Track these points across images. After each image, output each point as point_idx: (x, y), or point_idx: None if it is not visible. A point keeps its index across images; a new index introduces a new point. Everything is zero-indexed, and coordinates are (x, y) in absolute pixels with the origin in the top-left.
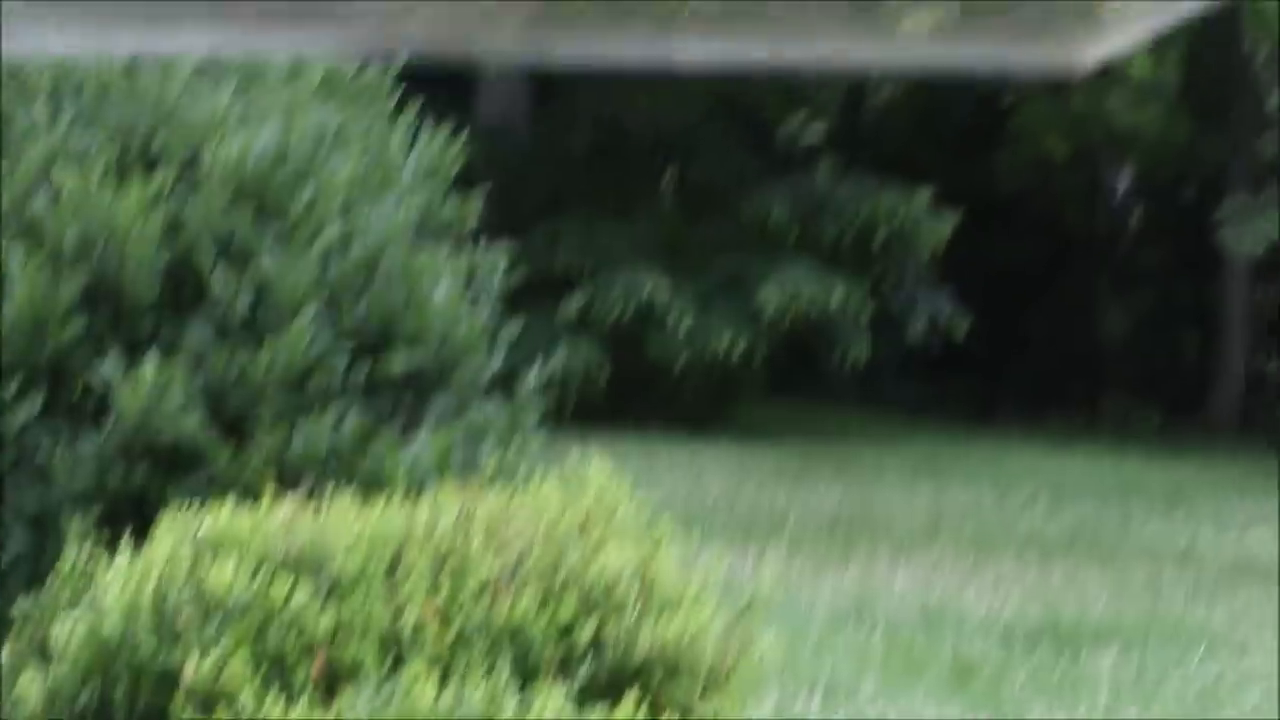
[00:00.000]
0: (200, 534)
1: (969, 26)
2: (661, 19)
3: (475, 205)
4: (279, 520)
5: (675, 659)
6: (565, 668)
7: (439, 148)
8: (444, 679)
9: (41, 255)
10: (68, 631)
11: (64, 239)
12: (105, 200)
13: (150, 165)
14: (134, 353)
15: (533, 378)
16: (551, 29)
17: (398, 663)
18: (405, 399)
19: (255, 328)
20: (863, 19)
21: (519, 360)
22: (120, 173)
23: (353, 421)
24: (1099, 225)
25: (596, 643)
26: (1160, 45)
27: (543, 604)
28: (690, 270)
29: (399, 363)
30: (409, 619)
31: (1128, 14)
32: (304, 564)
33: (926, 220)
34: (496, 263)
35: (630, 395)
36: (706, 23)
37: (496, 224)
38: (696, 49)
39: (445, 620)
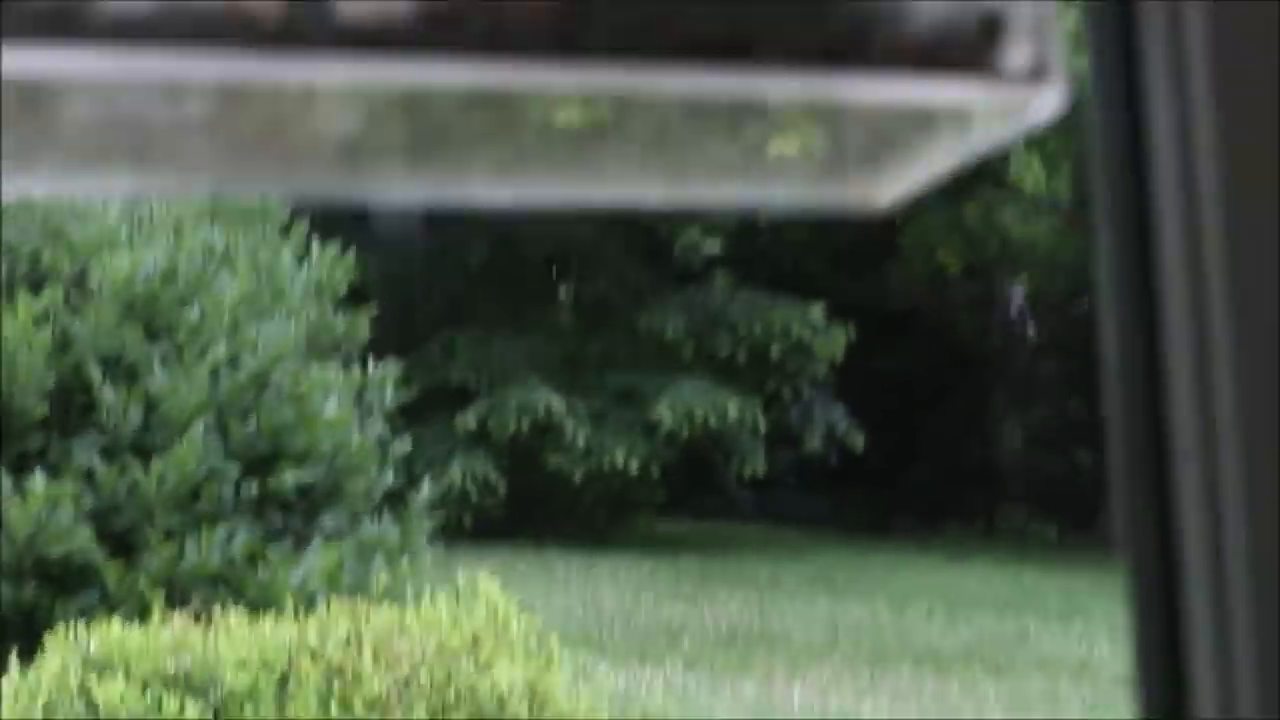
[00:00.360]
0: (89, 651)
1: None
2: (460, 162)
3: (367, 321)
4: (168, 637)
5: None
6: None
7: (329, 264)
8: None
9: None
10: None
11: None
12: None
13: (38, 283)
14: (22, 470)
15: (425, 493)
16: (357, 168)
17: None
18: (295, 515)
19: (144, 445)
20: (659, 160)
21: (416, 473)
22: (7, 290)
23: (242, 538)
24: (994, 338)
25: None
26: (1052, 159)
27: None
28: (586, 384)
29: (289, 479)
30: None
31: (927, 152)
32: (193, 681)
33: (821, 334)
34: (387, 378)
35: (527, 509)
36: (503, 165)
37: (392, 338)
38: (497, 191)
39: None
